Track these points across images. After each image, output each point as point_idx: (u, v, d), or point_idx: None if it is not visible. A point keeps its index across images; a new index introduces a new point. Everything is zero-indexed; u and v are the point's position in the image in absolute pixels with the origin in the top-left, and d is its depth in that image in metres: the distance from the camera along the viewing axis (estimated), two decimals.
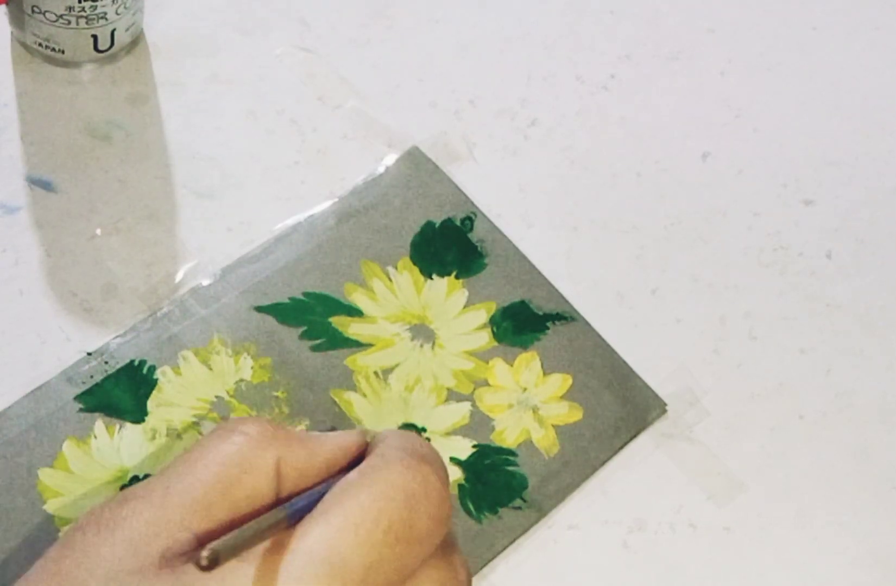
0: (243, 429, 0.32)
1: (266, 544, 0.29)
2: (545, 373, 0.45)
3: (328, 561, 0.28)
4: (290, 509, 0.30)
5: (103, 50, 0.45)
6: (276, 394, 0.42)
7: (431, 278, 0.45)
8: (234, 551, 0.27)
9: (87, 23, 0.42)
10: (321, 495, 0.31)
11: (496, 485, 0.43)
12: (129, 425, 0.41)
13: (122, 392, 0.41)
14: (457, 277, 0.45)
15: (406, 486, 0.30)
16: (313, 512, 0.30)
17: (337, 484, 0.31)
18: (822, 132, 0.51)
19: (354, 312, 0.44)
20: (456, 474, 0.43)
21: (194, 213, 0.45)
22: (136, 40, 0.46)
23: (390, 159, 0.47)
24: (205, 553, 0.26)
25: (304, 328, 0.43)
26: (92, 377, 0.41)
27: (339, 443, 0.33)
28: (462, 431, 0.43)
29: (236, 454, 0.31)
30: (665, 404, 0.45)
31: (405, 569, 0.30)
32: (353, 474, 0.31)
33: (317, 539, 0.29)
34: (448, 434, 0.43)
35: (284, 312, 0.43)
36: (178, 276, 0.44)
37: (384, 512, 0.30)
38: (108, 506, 0.31)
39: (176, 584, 0.28)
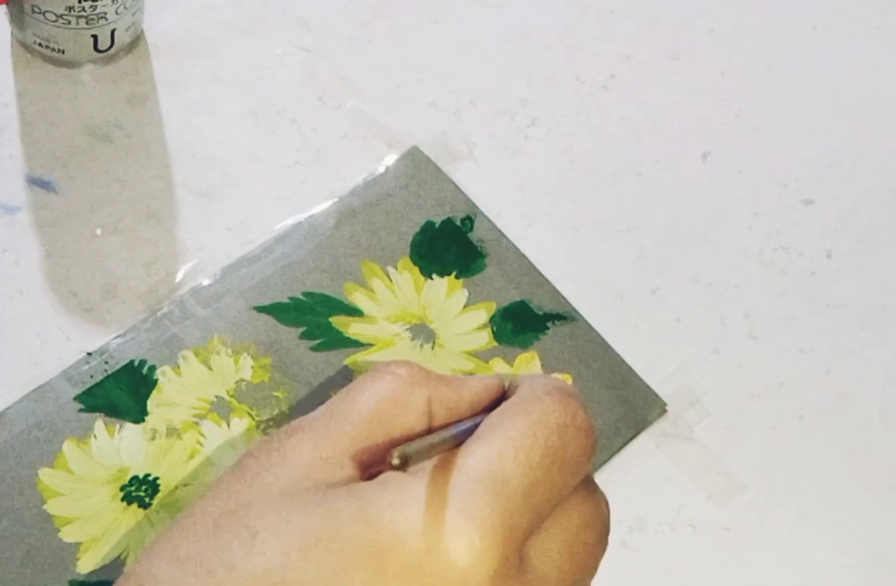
0: (395, 371, 0.34)
1: (433, 462, 0.31)
2: (545, 373, 0.45)
3: (492, 479, 0.30)
4: (455, 430, 0.32)
5: (103, 50, 0.45)
6: (276, 394, 0.42)
7: (431, 278, 0.45)
8: (420, 455, 0.29)
9: (87, 23, 0.42)
10: (477, 424, 0.32)
11: None
12: (129, 425, 0.41)
13: (122, 392, 0.41)
14: (457, 277, 0.45)
15: (558, 416, 0.32)
16: (474, 436, 0.31)
17: (493, 413, 0.33)
18: (822, 132, 0.51)
19: (354, 312, 0.44)
20: None
21: (194, 213, 0.45)
22: (136, 40, 0.46)
23: (390, 159, 0.47)
24: (395, 453, 0.28)
25: (304, 328, 0.43)
26: (92, 377, 0.41)
27: (482, 385, 0.35)
28: None
29: (391, 392, 0.33)
30: (665, 404, 0.45)
31: (558, 494, 0.31)
32: (506, 404, 0.33)
33: (480, 458, 0.30)
34: None
35: (284, 312, 0.43)
36: (178, 276, 0.44)
37: (540, 438, 0.31)
38: (276, 437, 0.33)
39: (349, 497, 0.30)
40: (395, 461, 0.28)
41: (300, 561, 0.29)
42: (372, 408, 0.33)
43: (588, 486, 0.34)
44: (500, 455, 0.31)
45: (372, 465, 0.32)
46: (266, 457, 0.32)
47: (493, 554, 0.29)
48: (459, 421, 0.34)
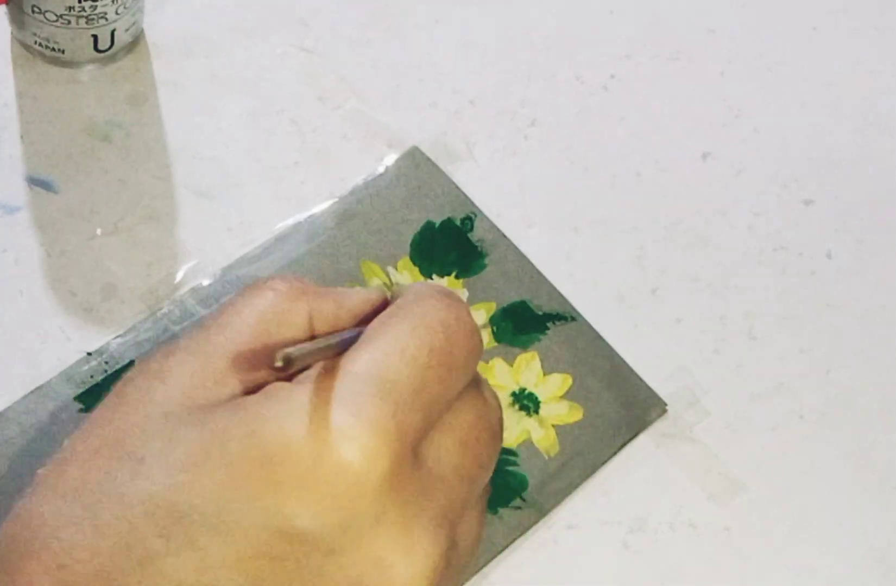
0: (273, 286, 0.33)
1: (318, 369, 0.30)
2: (545, 373, 0.45)
3: (379, 381, 0.30)
4: (339, 337, 0.31)
5: (103, 50, 0.45)
6: None
7: (431, 278, 0.45)
8: (304, 357, 0.29)
9: (87, 23, 0.42)
10: (361, 332, 0.32)
11: (496, 485, 0.43)
12: None
13: None
14: (457, 277, 0.45)
15: (442, 317, 0.32)
16: (359, 342, 0.31)
17: (377, 318, 0.32)
18: (822, 132, 0.51)
19: None
20: None
21: (194, 213, 0.45)
22: (136, 40, 0.46)
23: (390, 159, 0.47)
24: (279, 355, 0.28)
25: None
26: (92, 377, 0.41)
27: (364, 297, 0.35)
28: None
29: (270, 308, 0.32)
30: (665, 404, 0.45)
31: (447, 394, 0.31)
32: (390, 309, 0.33)
33: (366, 362, 0.30)
34: None
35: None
36: (178, 276, 0.44)
37: (425, 337, 0.31)
38: (153, 359, 0.32)
39: (234, 411, 0.29)
40: (279, 363, 0.28)
41: (189, 481, 0.28)
42: (251, 323, 0.32)
43: (478, 386, 0.34)
44: (385, 356, 0.30)
45: (254, 381, 0.32)
46: (144, 381, 0.31)
47: (385, 453, 0.29)
48: (343, 330, 0.33)
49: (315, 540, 0.28)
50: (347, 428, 0.28)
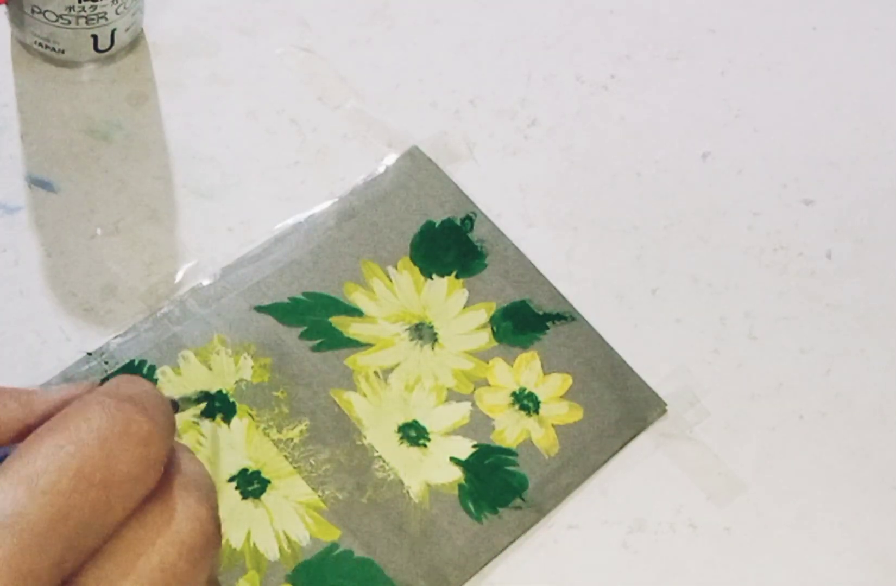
0: None
1: None
2: (545, 373, 0.45)
3: (4, 515, 0.26)
4: None
5: (103, 50, 0.45)
6: (276, 393, 0.42)
7: (431, 278, 0.45)
8: None
9: (87, 23, 0.42)
10: (6, 454, 0.29)
11: (496, 485, 0.43)
12: None
13: None
14: (457, 277, 0.45)
15: (101, 428, 0.28)
16: None
17: (32, 433, 0.28)
18: (822, 132, 0.51)
19: (354, 312, 0.44)
20: (456, 474, 0.43)
21: (194, 213, 0.45)
22: (136, 40, 0.46)
23: (390, 159, 0.47)
24: None
25: (304, 328, 0.43)
26: (92, 377, 0.41)
27: (61, 396, 0.31)
28: (462, 431, 0.43)
29: None
30: (665, 404, 0.45)
31: (106, 518, 0.27)
32: (45, 424, 0.29)
33: None
34: (448, 434, 0.43)
35: (284, 312, 0.43)
36: (178, 276, 0.44)
37: (73, 457, 0.27)
38: None
39: None
40: None
41: None
42: None
43: (166, 497, 0.29)
44: (16, 486, 0.26)
45: None
46: None
47: None
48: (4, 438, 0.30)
49: None
50: None
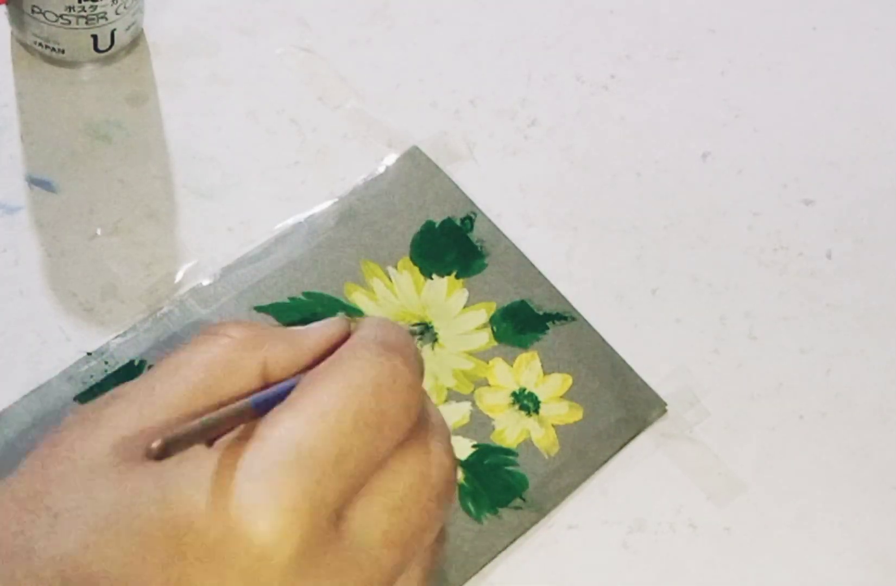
0: (228, 332, 0.32)
1: (235, 434, 0.29)
2: (545, 373, 0.45)
3: (295, 451, 0.28)
4: (255, 400, 0.30)
5: (103, 50, 0.45)
6: None
7: (431, 278, 0.45)
8: (189, 440, 0.28)
9: (87, 23, 0.42)
10: (292, 386, 0.30)
11: (496, 485, 0.43)
12: None
13: None
14: (457, 277, 0.45)
15: (374, 374, 0.30)
16: (282, 404, 0.30)
17: (308, 374, 0.31)
18: (822, 132, 0.51)
19: (354, 312, 0.44)
20: None
21: (194, 213, 0.45)
22: (136, 40, 0.46)
23: (390, 159, 0.47)
24: (155, 443, 0.27)
25: None
26: (92, 377, 0.41)
27: (323, 335, 0.33)
28: (462, 431, 0.43)
29: (221, 356, 0.31)
30: (665, 404, 0.45)
31: (375, 457, 0.30)
32: (321, 365, 0.31)
33: (284, 427, 0.29)
34: None
35: (284, 312, 0.43)
36: (178, 276, 0.44)
37: (352, 399, 0.29)
38: (92, 406, 0.31)
39: (150, 475, 0.28)
40: (154, 452, 0.27)
41: (97, 543, 0.27)
42: (199, 374, 0.30)
43: (422, 439, 0.31)
44: (305, 423, 0.29)
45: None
46: (80, 429, 0.30)
47: (294, 531, 0.27)
48: (267, 386, 0.31)
49: None
50: (255, 502, 0.27)
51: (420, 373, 0.32)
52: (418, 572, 0.32)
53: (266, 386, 0.31)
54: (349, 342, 0.32)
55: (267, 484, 0.28)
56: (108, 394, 0.31)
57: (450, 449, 0.32)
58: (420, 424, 0.31)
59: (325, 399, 0.29)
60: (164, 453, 0.27)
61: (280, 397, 0.30)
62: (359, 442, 0.29)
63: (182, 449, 0.28)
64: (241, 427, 0.29)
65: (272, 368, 0.32)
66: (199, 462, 0.28)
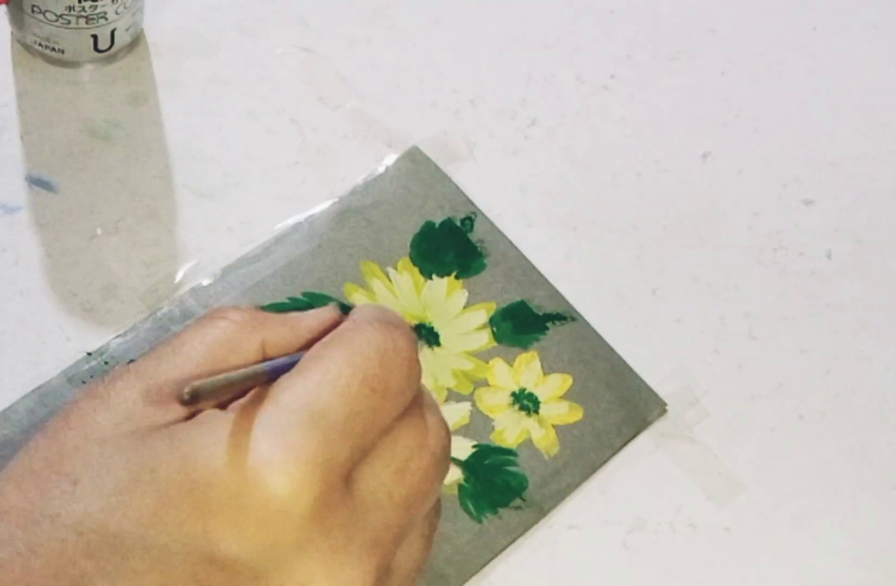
0: (228, 316, 0.33)
1: (249, 397, 0.31)
2: (545, 373, 0.45)
3: (308, 411, 0.30)
4: (269, 366, 0.31)
5: (103, 50, 0.45)
6: None
7: (431, 278, 0.45)
8: (214, 392, 0.29)
9: (87, 23, 0.42)
10: (296, 360, 0.32)
11: (496, 485, 0.43)
12: None
13: None
14: (457, 277, 0.45)
15: (378, 345, 0.32)
16: (292, 370, 0.31)
17: (315, 345, 0.32)
18: (822, 132, 0.51)
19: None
20: (456, 474, 0.43)
21: (194, 213, 0.45)
22: (136, 40, 0.46)
23: (390, 159, 0.47)
24: (186, 389, 0.28)
25: None
26: (92, 377, 0.41)
27: (317, 319, 0.35)
28: (462, 431, 0.43)
29: (223, 337, 0.32)
30: (665, 404, 0.45)
31: (381, 422, 0.31)
32: (328, 336, 0.33)
33: (296, 391, 0.30)
34: None
35: (284, 312, 0.43)
36: (178, 276, 0.44)
37: (359, 366, 0.31)
38: (101, 381, 0.32)
39: (166, 437, 0.30)
40: (185, 397, 0.28)
41: (119, 504, 0.29)
42: (202, 352, 0.32)
43: (420, 411, 0.33)
44: (316, 386, 0.30)
45: (198, 407, 0.31)
46: (89, 402, 0.31)
47: (311, 483, 0.29)
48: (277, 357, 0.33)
49: (240, 565, 0.29)
50: (272, 457, 0.29)
51: (417, 348, 0.34)
52: (419, 539, 0.33)
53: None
54: (349, 319, 0.34)
55: (283, 440, 0.29)
56: (115, 370, 0.33)
57: (444, 422, 0.34)
58: (416, 398, 0.33)
59: (333, 366, 0.31)
60: (193, 399, 0.28)
61: (289, 367, 0.31)
62: (366, 406, 0.31)
63: (207, 399, 0.29)
64: (252, 393, 0.31)
65: (270, 349, 0.33)
66: (216, 422, 0.29)
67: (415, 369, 0.33)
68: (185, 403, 0.28)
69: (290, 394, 0.30)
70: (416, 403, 0.33)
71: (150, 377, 0.32)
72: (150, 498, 0.29)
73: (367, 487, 0.31)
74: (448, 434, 0.34)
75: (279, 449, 0.29)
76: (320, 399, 0.30)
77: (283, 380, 0.31)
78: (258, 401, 0.30)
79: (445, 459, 0.34)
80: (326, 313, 0.35)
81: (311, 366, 0.31)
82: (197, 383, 0.28)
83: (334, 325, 0.34)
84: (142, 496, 0.29)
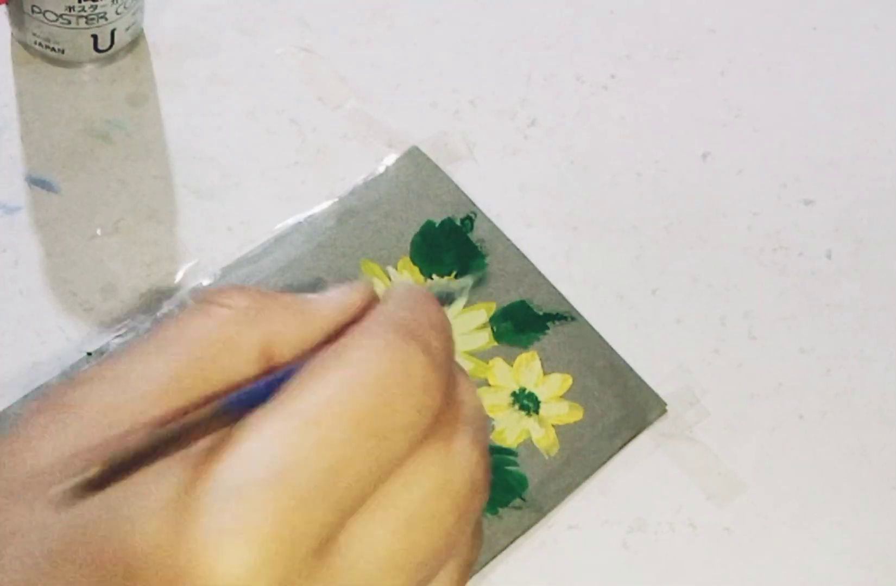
0: (225, 302, 0.26)
1: (206, 443, 0.24)
2: (545, 373, 0.45)
3: (278, 464, 0.23)
4: (228, 401, 0.24)
5: (103, 50, 0.45)
6: None
7: (431, 278, 0.45)
8: (136, 462, 0.23)
9: (87, 23, 0.42)
10: (277, 381, 0.25)
11: (496, 485, 0.43)
12: None
13: None
14: (457, 277, 0.45)
15: (381, 369, 0.25)
16: (265, 405, 0.24)
17: (307, 365, 0.25)
18: (822, 132, 0.51)
19: None
20: None
21: (194, 213, 0.45)
22: (136, 40, 0.46)
23: (390, 159, 0.47)
24: (91, 471, 0.23)
25: None
26: None
27: (339, 305, 0.28)
28: None
29: (215, 330, 0.26)
30: (665, 404, 0.45)
31: (378, 469, 0.24)
32: (323, 354, 0.25)
33: (265, 435, 0.23)
34: None
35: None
36: (178, 276, 0.44)
37: (350, 403, 0.24)
38: (60, 389, 0.26)
39: (102, 499, 0.23)
40: (93, 481, 0.23)
41: (47, 576, 0.23)
42: (186, 352, 0.25)
43: (441, 440, 0.26)
44: (293, 430, 0.23)
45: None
46: (42, 419, 0.25)
47: (268, 566, 0.22)
48: (267, 371, 0.26)
49: None
50: (222, 531, 0.22)
51: (446, 358, 0.27)
52: (454, 571, 0.27)
53: (267, 370, 0.26)
54: (362, 323, 0.26)
55: (239, 507, 0.23)
56: (81, 372, 0.27)
57: (479, 440, 0.27)
58: (442, 417, 0.26)
59: (317, 400, 0.24)
60: (104, 481, 0.23)
61: (262, 396, 0.24)
62: (358, 454, 0.24)
63: (128, 474, 0.23)
64: (214, 436, 0.24)
65: (277, 346, 0.27)
66: (157, 480, 0.23)
67: (431, 395, 0.25)
68: (93, 489, 0.23)
69: (255, 441, 0.23)
70: (441, 425, 0.26)
71: (117, 388, 0.25)
72: (81, 574, 0.23)
73: (356, 551, 0.24)
74: (482, 456, 0.27)
75: (232, 520, 0.22)
76: (294, 449, 0.23)
77: (251, 421, 0.24)
78: (215, 449, 0.23)
79: (475, 496, 0.26)
80: (353, 295, 0.28)
81: (288, 400, 0.24)
82: (108, 458, 0.23)
83: (361, 312, 0.28)
84: (73, 570, 0.23)
